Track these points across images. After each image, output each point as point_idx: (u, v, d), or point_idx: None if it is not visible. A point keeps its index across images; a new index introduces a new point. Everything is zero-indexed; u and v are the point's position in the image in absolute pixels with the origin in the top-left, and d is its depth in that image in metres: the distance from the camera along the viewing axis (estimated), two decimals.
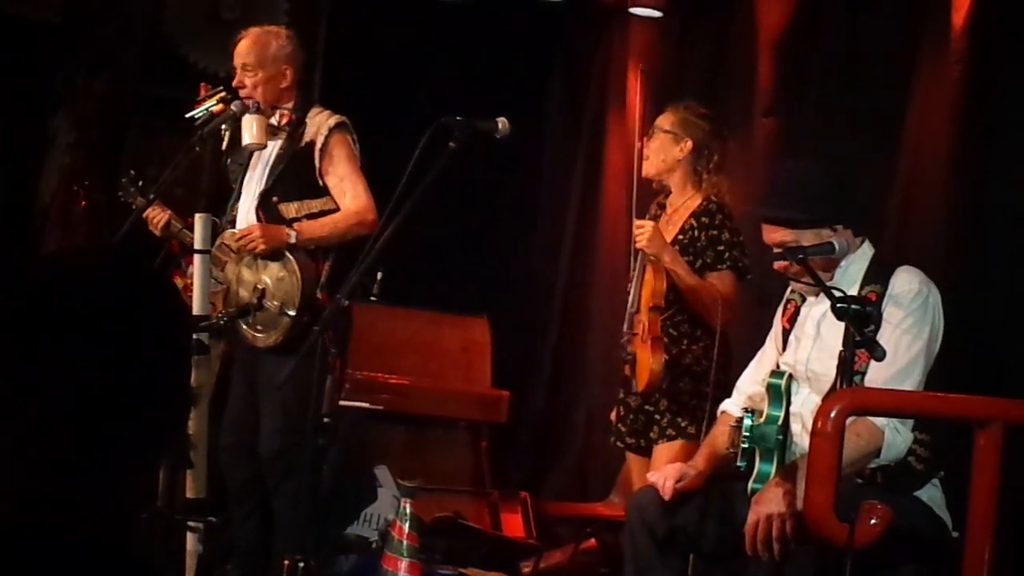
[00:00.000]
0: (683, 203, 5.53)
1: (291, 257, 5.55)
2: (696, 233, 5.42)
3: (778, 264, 4.34)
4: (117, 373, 1.63)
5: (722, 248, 5.39)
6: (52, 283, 1.67)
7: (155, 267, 1.95)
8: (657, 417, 5.44)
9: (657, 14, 7.32)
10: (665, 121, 5.54)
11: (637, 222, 5.36)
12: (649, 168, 5.54)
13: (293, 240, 5.55)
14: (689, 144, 5.49)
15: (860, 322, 3.91)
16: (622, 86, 7.69)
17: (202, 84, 5.94)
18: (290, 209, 5.64)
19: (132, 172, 6.05)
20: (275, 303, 5.54)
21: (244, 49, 5.70)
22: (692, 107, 5.59)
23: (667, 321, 5.38)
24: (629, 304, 5.40)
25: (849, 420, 3.88)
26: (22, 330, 1.63)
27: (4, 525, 1.59)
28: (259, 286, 5.59)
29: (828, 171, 4.51)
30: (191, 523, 5.27)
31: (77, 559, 1.59)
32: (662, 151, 5.52)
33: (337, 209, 5.64)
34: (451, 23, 7.98)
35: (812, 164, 4.64)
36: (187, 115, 5.63)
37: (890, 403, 4.00)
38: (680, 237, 5.44)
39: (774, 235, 4.36)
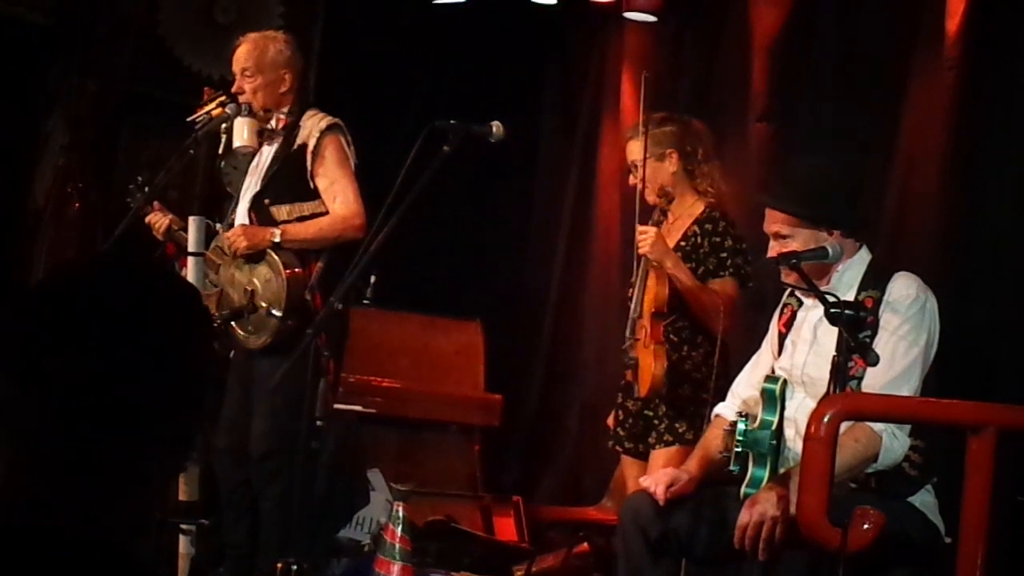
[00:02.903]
0: (685, 210, 5.53)
1: (276, 258, 5.54)
2: (699, 240, 5.41)
3: (771, 253, 4.38)
4: (119, 380, 1.63)
5: (725, 255, 5.38)
6: (56, 290, 1.67)
7: (168, 271, 1.91)
8: (656, 422, 5.44)
9: (651, 18, 7.32)
10: (638, 150, 5.48)
11: (640, 228, 5.33)
12: (651, 195, 5.50)
13: (277, 239, 5.55)
14: (674, 154, 5.48)
15: (854, 327, 3.92)
16: (617, 90, 7.70)
17: (205, 88, 5.95)
18: (282, 211, 5.64)
19: (140, 178, 6.05)
20: (263, 304, 5.55)
21: (243, 54, 5.71)
22: (649, 120, 5.53)
23: (668, 327, 5.36)
24: (632, 310, 5.39)
25: (847, 425, 3.89)
26: (26, 338, 1.63)
27: (8, 528, 1.60)
28: (248, 288, 5.60)
29: (837, 173, 4.53)
30: (183, 525, 5.27)
31: (81, 564, 1.59)
32: (657, 175, 5.48)
33: (328, 212, 5.64)
34: (446, 27, 7.98)
35: (823, 164, 4.65)
36: (188, 119, 5.64)
37: (883, 408, 4.01)
38: (682, 244, 5.43)
39: (773, 225, 4.38)
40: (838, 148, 6.00)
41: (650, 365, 5.21)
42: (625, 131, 5.96)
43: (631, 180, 5.60)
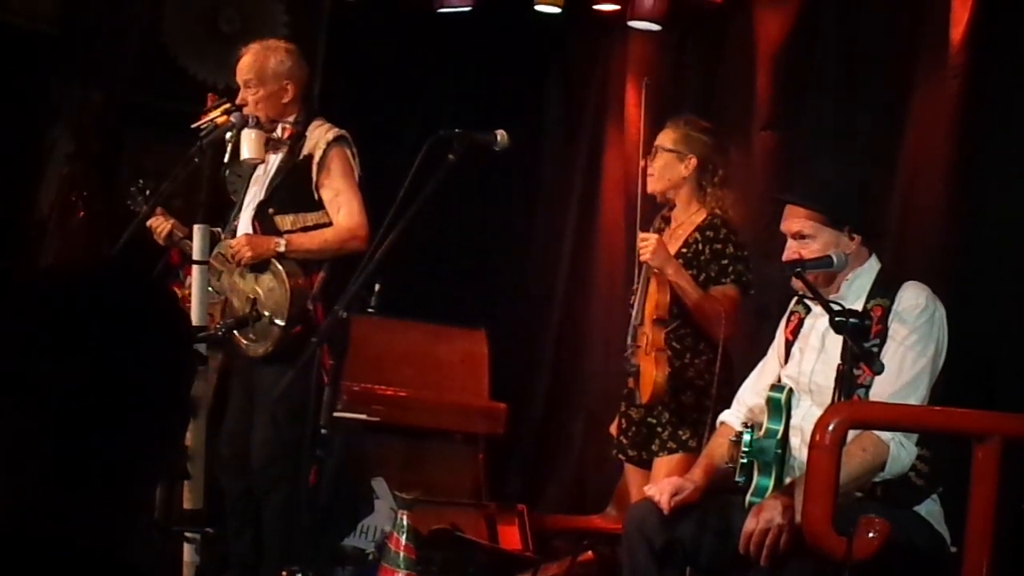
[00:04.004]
0: (688, 218, 5.53)
1: (280, 267, 5.55)
2: (700, 247, 5.41)
3: (788, 255, 4.37)
4: (112, 385, 1.63)
5: (726, 262, 5.38)
6: (48, 295, 1.68)
7: (154, 278, 1.93)
8: (659, 430, 5.43)
9: (655, 27, 7.32)
10: (667, 139, 5.52)
11: (641, 235, 5.34)
12: (654, 186, 5.53)
13: (282, 249, 5.56)
14: (693, 161, 5.48)
15: (859, 336, 3.92)
16: (620, 98, 7.70)
17: (209, 95, 5.95)
18: (285, 221, 5.65)
19: (141, 182, 6.06)
20: (266, 313, 5.55)
21: (245, 66, 5.71)
22: (693, 122, 5.57)
23: (670, 334, 5.36)
24: (633, 317, 5.39)
25: (854, 434, 3.89)
26: (17, 341, 1.63)
27: (1, 535, 1.60)
28: (251, 296, 5.60)
29: (863, 178, 4.55)
30: (188, 534, 5.26)
31: (74, 570, 1.59)
32: (667, 170, 5.50)
33: (331, 223, 5.64)
34: (450, 35, 7.98)
35: (849, 167, 4.67)
36: (193, 126, 5.64)
37: (888, 417, 4.01)
38: (684, 251, 5.43)
39: (795, 224, 4.37)
40: (843, 156, 5.99)
41: (651, 372, 5.21)
42: (629, 139, 5.98)
43: (641, 161, 5.60)
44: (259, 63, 5.70)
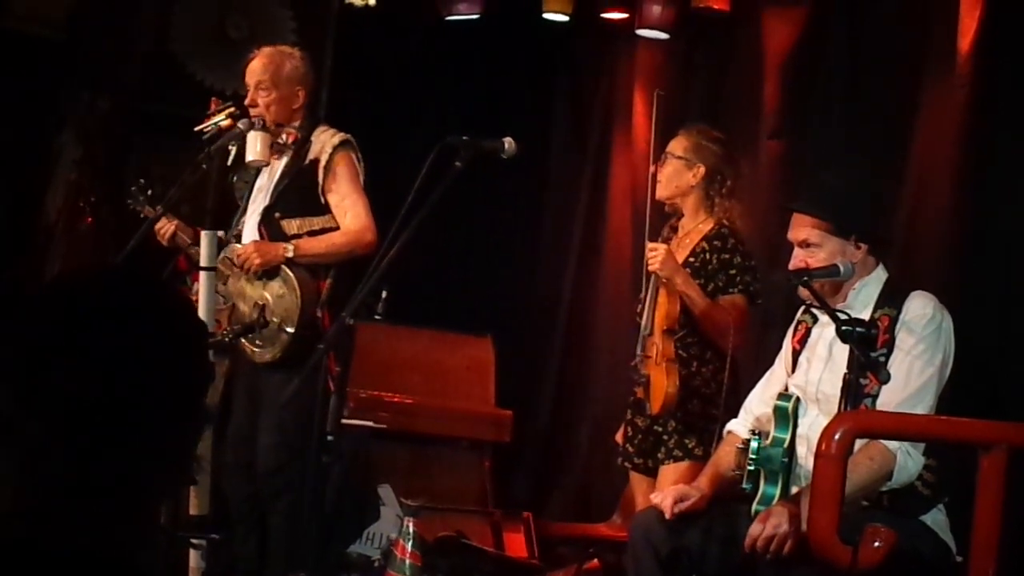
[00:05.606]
0: (695, 227, 5.52)
1: (291, 274, 5.56)
2: (707, 256, 5.41)
3: (794, 264, 4.37)
4: (121, 391, 1.63)
5: (734, 272, 5.38)
6: (58, 302, 1.68)
7: (165, 282, 1.93)
8: (665, 438, 5.43)
9: (663, 35, 7.33)
10: (678, 146, 5.52)
11: (650, 245, 5.33)
12: (662, 191, 5.53)
13: (290, 255, 5.57)
14: (702, 170, 5.48)
15: (865, 345, 3.92)
16: (628, 107, 7.70)
17: (213, 99, 5.96)
18: (292, 226, 5.66)
19: (141, 180, 6.06)
20: (275, 319, 5.56)
21: (259, 68, 5.72)
22: (704, 131, 5.57)
23: (677, 342, 5.36)
24: (642, 327, 5.38)
25: (861, 443, 3.89)
26: (27, 348, 1.64)
27: (12, 542, 1.60)
28: (259, 302, 5.60)
29: (871, 186, 4.55)
30: (194, 540, 5.27)
31: None
32: (675, 177, 5.50)
33: (338, 227, 5.65)
34: (458, 43, 7.99)
35: (857, 176, 4.67)
36: (196, 128, 5.65)
37: (894, 426, 4.01)
38: (691, 260, 5.42)
39: (801, 232, 4.37)
40: (850, 165, 5.99)
41: (662, 383, 5.20)
42: (637, 148, 5.99)
43: (651, 167, 5.60)
44: (275, 66, 5.72)
